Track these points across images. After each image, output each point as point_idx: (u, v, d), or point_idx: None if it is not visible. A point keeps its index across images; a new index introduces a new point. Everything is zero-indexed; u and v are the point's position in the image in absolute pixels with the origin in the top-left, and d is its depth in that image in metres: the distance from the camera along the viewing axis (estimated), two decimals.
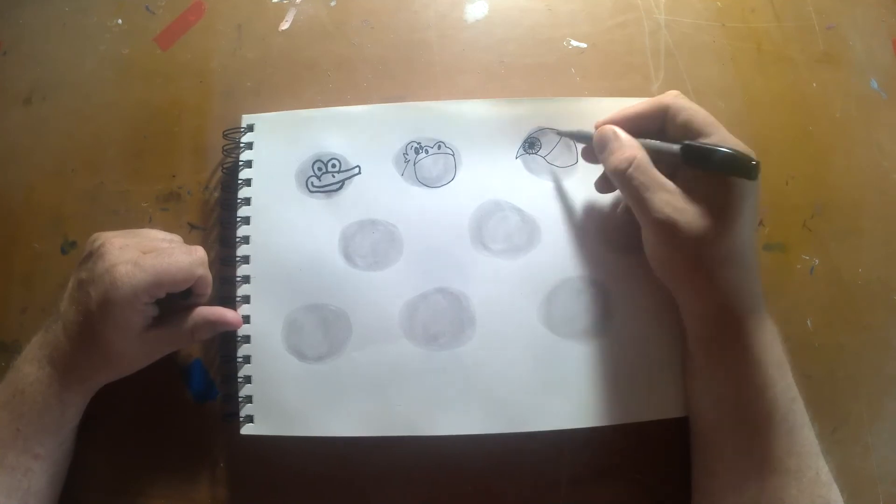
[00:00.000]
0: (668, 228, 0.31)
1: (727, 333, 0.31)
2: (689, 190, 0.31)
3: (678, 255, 0.31)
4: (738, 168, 0.30)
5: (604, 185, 0.37)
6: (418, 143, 0.39)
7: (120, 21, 0.44)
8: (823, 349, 0.39)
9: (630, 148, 0.32)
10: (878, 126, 0.42)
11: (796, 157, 0.41)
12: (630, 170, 0.31)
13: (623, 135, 0.33)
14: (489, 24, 0.43)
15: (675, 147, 0.31)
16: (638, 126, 0.34)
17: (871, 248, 0.40)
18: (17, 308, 0.40)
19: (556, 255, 0.37)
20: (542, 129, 0.39)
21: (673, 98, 0.33)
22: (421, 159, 0.39)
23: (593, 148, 0.35)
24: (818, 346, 0.39)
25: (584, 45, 0.42)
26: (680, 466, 0.36)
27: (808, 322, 0.39)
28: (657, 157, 0.32)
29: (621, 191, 0.33)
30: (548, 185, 0.38)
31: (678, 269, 0.32)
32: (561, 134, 0.38)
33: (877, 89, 0.43)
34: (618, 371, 0.36)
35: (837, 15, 0.44)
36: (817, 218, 0.40)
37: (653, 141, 0.33)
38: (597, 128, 0.35)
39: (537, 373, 0.36)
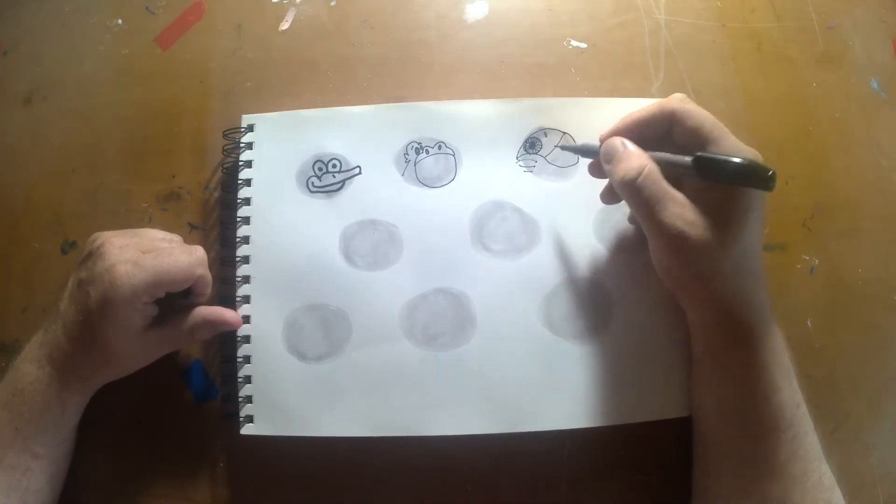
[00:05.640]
0: (678, 241, 0.30)
1: (735, 342, 0.31)
2: (697, 200, 0.30)
3: (687, 267, 0.31)
4: (754, 179, 0.29)
5: (610, 196, 0.36)
6: (419, 144, 0.39)
7: (120, 21, 0.44)
8: (823, 349, 0.39)
9: (639, 158, 0.31)
10: (878, 126, 0.42)
11: (796, 157, 0.41)
12: (640, 180, 0.31)
13: (631, 146, 0.32)
14: (489, 24, 0.43)
15: (687, 159, 0.30)
16: (643, 132, 0.33)
17: (871, 248, 0.41)
18: (17, 308, 0.40)
19: (556, 256, 0.37)
20: (543, 131, 0.39)
21: (679, 102, 0.32)
22: (421, 159, 0.39)
23: (600, 161, 0.34)
24: (818, 346, 0.39)
25: (584, 45, 0.42)
26: (680, 466, 0.36)
27: (808, 322, 0.39)
28: (664, 168, 0.32)
29: (629, 203, 0.32)
30: (548, 186, 0.38)
31: (685, 280, 0.32)
32: (565, 149, 0.37)
33: (877, 89, 0.43)
34: (617, 371, 0.36)
35: (837, 15, 0.44)
36: (817, 218, 0.40)
37: (662, 153, 0.32)
38: (601, 140, 0.34)
39: (537, 373, 0.36)
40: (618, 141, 0.33)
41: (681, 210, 0.30)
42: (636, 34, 0.42)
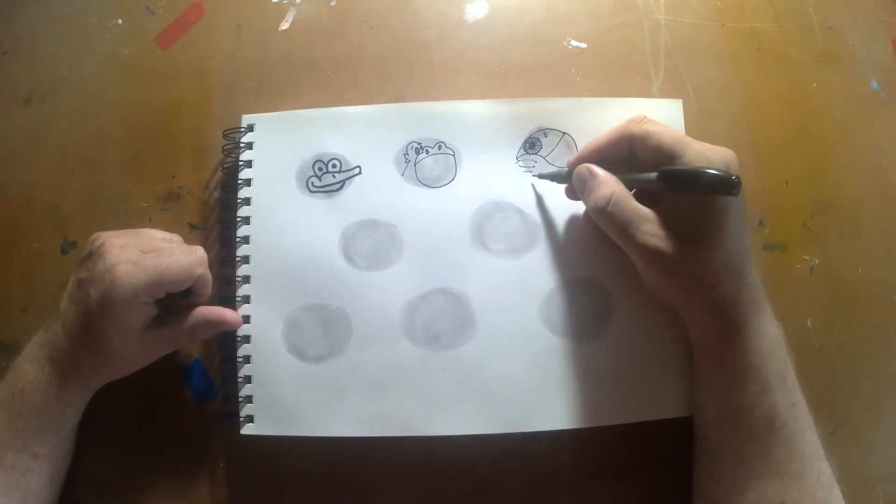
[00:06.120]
0: (656, 258, 0.31)
1: (725, 343, 0.32)
2: (672, 213, 0.31)
3: (671, 278, 0.32)
4: (718, 187, 0.29)
5: (589, 220, 0.37)
6: (419, 144, 0.39)
7: (120, 21, 0.44)
8: (823, 349, 0.39)
9: (607, 184, 0.32)
10: (878, 126, 0.42)
11: (796, 157, 0.41)
12: (609, 207, 0.32)
13: (599, 172, 0.33)
14: (489, 24, 0.43)
15: (653, 176, 0.31)
16: (608, 156, 0.34)
17: (871, 248, 0.41)
18: (18, 308, 0.40)
19: (556, 256, 0.37)
20: (543, 131, 0.39)
21: (636, 125, 0.33)
22: (422, 159, 0.39)
23: (572, 185, 0.35)
24: (818, 346, 0.39)
25: (584, 45, 0.42)
26: (680, 466, 0.36)
27: (808, 322, 0.39)
28: (638, 186, 0.32)
29: (604, 228, 0.33)
30: (548, 186, 0.38)
31: (673, 290, 0.33)
32: (542, 177, 0.38)
33: (877, 89, 0.43)
34: (617, 371, 0.36)
35: (837, 15, 0.44)
36: (817, 218, 0.40)
37: (631, 174, 0.33)
38: (569, 165, 0.35)
39: (537, 373, 0.36)
40: (585, 169, 0.34)
41: (653, 228, 0.31)
42: (636, 34, 0.42)
